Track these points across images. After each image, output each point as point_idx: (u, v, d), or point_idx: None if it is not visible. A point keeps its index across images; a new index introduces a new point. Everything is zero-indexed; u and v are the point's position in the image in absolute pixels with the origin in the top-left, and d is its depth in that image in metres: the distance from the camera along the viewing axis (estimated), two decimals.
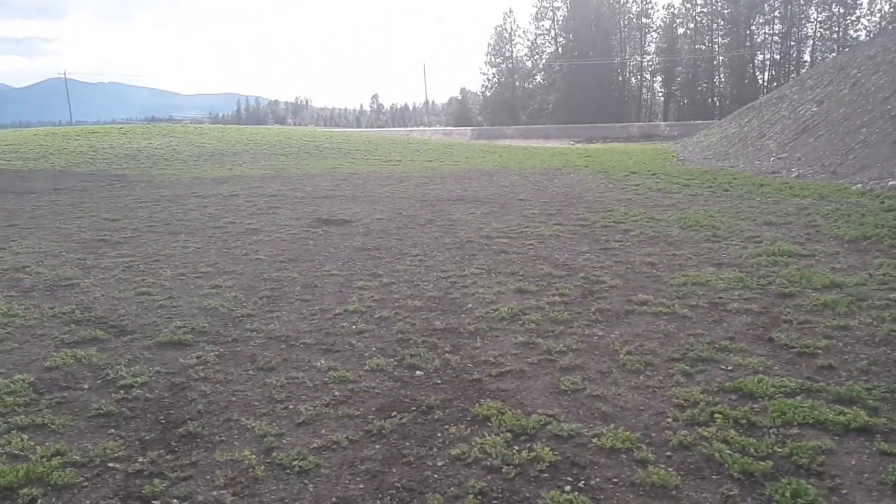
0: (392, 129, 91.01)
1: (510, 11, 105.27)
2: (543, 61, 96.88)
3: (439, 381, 5.01)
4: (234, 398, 4.78)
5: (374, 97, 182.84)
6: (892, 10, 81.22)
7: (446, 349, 5.65)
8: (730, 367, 5.08)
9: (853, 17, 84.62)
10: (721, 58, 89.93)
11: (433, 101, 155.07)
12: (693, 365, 5.15)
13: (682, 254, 9.21)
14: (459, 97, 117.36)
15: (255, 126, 68.08)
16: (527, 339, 5.84)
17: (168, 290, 7.87)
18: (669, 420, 4.27)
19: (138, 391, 4.90)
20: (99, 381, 5.11)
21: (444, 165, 26.67)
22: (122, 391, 4.91)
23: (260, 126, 72.35)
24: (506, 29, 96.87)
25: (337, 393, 4.81)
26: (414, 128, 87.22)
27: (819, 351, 5.32)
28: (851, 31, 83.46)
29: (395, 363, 5.37)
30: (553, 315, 6.48)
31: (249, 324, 6.47)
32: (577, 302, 7.00)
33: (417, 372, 5.19)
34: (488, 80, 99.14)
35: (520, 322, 6.32)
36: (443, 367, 5.28)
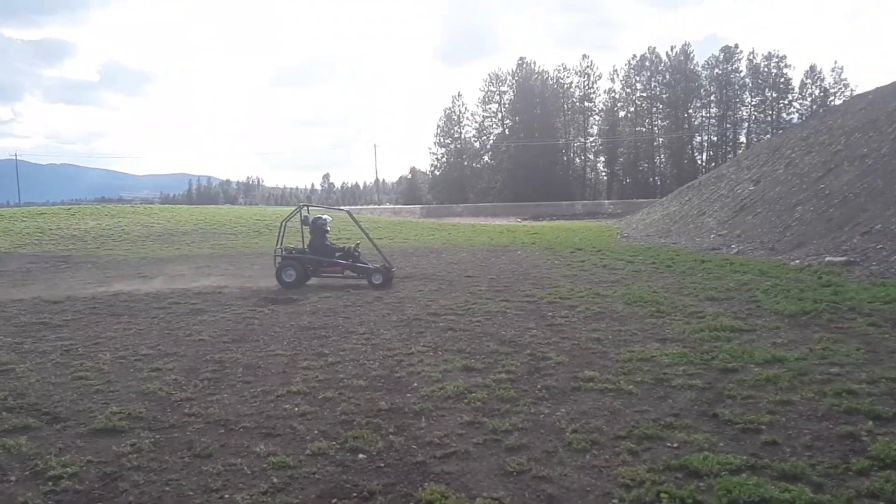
0: (343, 207, 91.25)
1: (459, 95, 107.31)
2: (491, 142, 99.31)
3: (382, 465, 4.87)
4: (167, 488, 4.56)
5: (326, 176, 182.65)
6: (821, 94, 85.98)
7: (390, 430, 5.53)
8: (675, 445, 5.07)
9: (786, 101, 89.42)
10: (661, 139, 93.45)
11: (383, 180, 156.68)
12: (639, 443, 5.13)
13: (627, 329, 9.31)
14: (409, 176, 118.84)
15: (206, 206, 67.66)
16: (472, 418, 5.76)
17: (106, 374, 7.58)
18: (616, 501, 4.21)
19: (67, 482, 4.65)
20: (27, 473, 4.84)
21: (394, 243, 26.77)
22: (50, 483, 4.65)
23: (211, 206, 71.94)
24: (454, 111, 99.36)
25: (276, 480, 4.64)
26: (364, 206, 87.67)
27: (763, 426, 5.36)
28: (784, 114, 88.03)
29: (338, 446, 5.21)
30: (499, 393, 6.43)
31: (188, 408, 6.25)
32: (523, 379, 6.97)
33: (360, 455, 5.05)
34: (437, 159, 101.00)
35: (465, 401, 6.24)
36: (386, 449, 5.15)
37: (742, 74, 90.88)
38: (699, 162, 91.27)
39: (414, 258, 20.84)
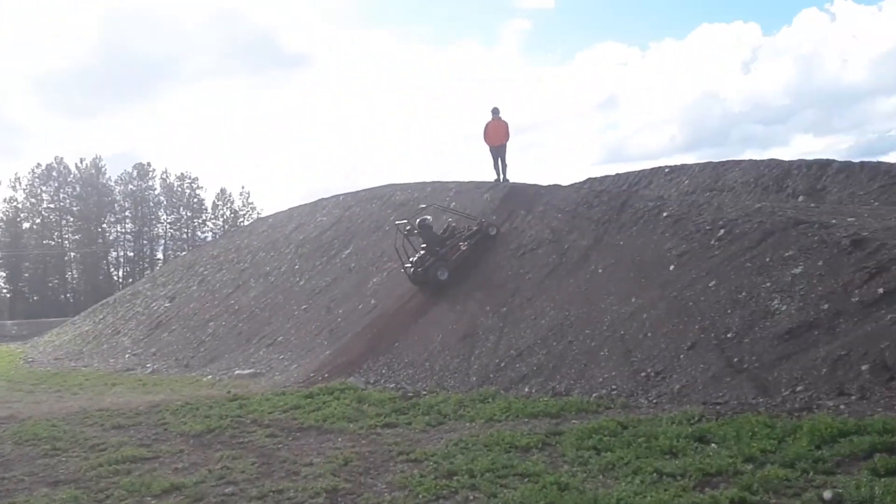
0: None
1: None
2: None
3: None
4: None
5: None
6: (232, 215, 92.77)
7: None
8: None
9: (200, 220, 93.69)
10: (73, 254, 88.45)
11: None
12: None
13: (12, 476, 8.02)
14: None
15: None
16: None
17: None
18: None
19: None
20: None
21: None
22: None
23: None
24: None
25: None
26: None
27: None
28: (199, 233, 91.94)
29: None
30: None
31: None
32: None
33: None
34: None
35: None
36: None
37: (157, 192, 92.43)
38: (116, 278, 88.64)
39: None
